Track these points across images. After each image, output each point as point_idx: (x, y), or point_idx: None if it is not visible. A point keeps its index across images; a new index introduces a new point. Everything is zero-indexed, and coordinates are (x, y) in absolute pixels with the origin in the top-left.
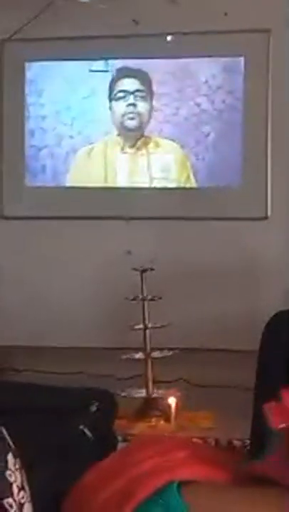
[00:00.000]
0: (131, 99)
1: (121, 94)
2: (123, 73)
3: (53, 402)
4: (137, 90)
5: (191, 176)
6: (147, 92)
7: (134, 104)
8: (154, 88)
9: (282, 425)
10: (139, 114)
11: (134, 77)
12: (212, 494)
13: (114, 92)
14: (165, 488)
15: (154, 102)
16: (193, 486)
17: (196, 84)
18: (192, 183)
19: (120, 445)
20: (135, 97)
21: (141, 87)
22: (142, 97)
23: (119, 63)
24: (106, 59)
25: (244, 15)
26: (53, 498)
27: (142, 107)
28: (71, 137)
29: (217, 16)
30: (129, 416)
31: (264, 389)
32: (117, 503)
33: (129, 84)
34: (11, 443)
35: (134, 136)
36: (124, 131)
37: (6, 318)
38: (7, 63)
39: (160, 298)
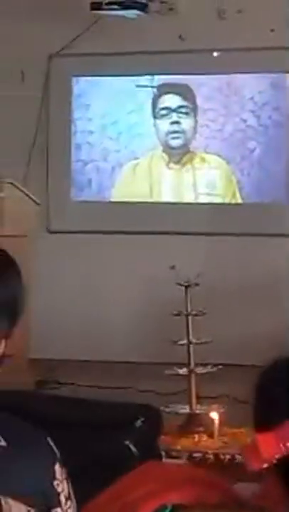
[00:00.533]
0: (174, 116)
1: (164, 112)
2: (165, 89)
3: (99, 416)
4: (180, 106)
5: (237, 192)
6: (191, 107)
7: (177, 122)
8: (199, 103)
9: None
10: (183, 131)
11: (176, 93)
12: None
13: (157, 109)
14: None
15: (199, 118)
16: (186, 511)
17: (241, 100)
18: (238, 199)
19: (164, 460)
20: (178, 113)
21: (183, 103)
22: (185, 113)
23: (161, 79)
24: (152, 74)
25: None
26: None
27: (187, 123)
28: (117, 151)
29: (263, 32)
30: (172, 432)
31: None
32: None
33: (171, 100)
34: (57, 453)
35: (180, 152)
36: (168, 148)
37: (51, 331)
38: (54, 78)
39: (204, 313)
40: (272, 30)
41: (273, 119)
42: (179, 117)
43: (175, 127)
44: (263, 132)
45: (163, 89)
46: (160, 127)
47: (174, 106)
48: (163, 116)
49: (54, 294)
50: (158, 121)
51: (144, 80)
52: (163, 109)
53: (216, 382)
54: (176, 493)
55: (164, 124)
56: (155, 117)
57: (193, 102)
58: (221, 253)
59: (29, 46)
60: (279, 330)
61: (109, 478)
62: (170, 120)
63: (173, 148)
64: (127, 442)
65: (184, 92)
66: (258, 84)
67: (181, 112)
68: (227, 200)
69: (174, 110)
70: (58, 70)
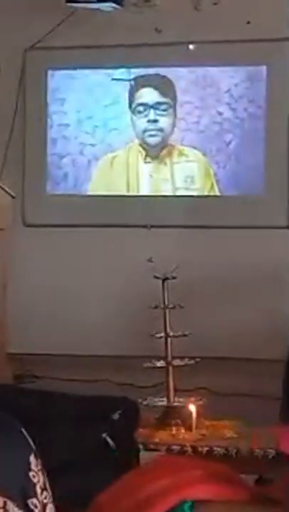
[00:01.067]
0: (151, 114)
1: (140, 109)
2: (142, 82)
3: (76, 409)
4: (158, 103)
5: (215, 185)
6: (171, 103)
7: (155, 121)
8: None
9: None
10: (161, 129)
11: (154, 87)
12: None
13: (134, 104)
14: (178, 508)
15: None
16: (206, 506)
17: (218, 93)
18: (216, 192)
19: (142, 453)
20: (156, 111)
21: (162, 99)
22: (164, 110)
23: (138, 71)
24: (128, 67)
25: (267, 24)
26: (75, 503)
27: (165, 121)
28: (93, 145)
29: (240, 24)
30: (150, 424)
31: None
32: None
33: (149, 96)
34: (32, 444)
35: (157, 149)
36: (145, 145)
37: (29, 325)
38: (29, 72)
39: (182, 307)
40: (248, 23)
41: (250, 111)
42: (157, 115)
43: (152, 125)
44: (239, 125)
45: (140, 82)
46: (137, 124)
47: (151, 102)
48: (140, 112)
49: (30, 287)
50: (134, 117)
51: (120, 73)
52: (140, 105)
53: (193, 375)
54: (196, 489)
55: (141, 121)
56: (132, 112)
57: (173, 97)
58: (198, 246)
59: (4, 40)
60: (257, 323)
61: (87, 470)
62: (147, 118)
63: (150, 145)
64: (104, 435)
65: (163, 86)
66: (234, 76)
67: (159, 109)
68: (205, 193)
69: (151, 107)
70: (33, 63)
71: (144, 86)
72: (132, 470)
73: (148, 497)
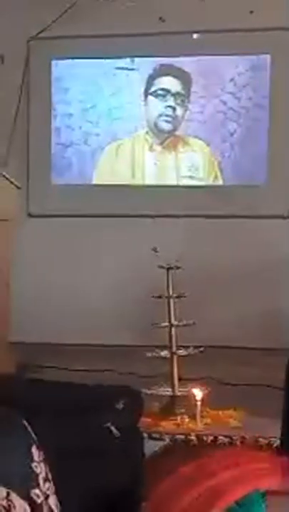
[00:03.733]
0: (171, 101)
1: (161, 92)
2: (164, 71)
3: (80, 399)
4: (179, 93)
5: (219, 174)
6: (186, 95)
7: (173, 108)
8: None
9: None
10: (176, 117)
11: (176, 76)
12: None
13: (154, 88)
14: (250, 496)
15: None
16: (278, 496)
17: (221, 82)
18: (219, 181)
19: (146, 442)
20: (176, 99)
21: (182, 91)
22: (182, 101)
23: (159, 61)
24: (132, 57)
25: (270, 13)
26: (78, 493)
27: (180, 111)
28: (97, 135)
29: (243, 13)
30: (154, 414)
31: None
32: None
33: (171, 83)
34: (34, 436)
35: (166, 136)
36: (156, 130)
37: (32, 314)
38: (34, 61)
39: (185, 296)
40: (251, 12)
41: (253, 100)
42: (176, 103)
43: (169, 111)
44: (243, 114)
45: (162, 70)
46: (152, 107)
47: (173, 90)
48: (159, 96)
49: (34, 277)
50: (151, 100)
51: (124, 62)
52: (162, 89)
53: (198, 364)
54: (268, 479)
55: (158, 105)
56: (148, 96)
57: (189, 90)
58: (203, 235)
59: (8, 29)
60: (260, 311)
61: (91, 460)
62: (166, 103)
63: (161, 130)
64: (108, 424)
65: (183, 79)
66: (237, 66)
67: (178, 99)
68: (209, 183)
69: (172, 94)
70: (37, 53)
71: (167, 74)
72: (193, 462)
73: (216, 486)
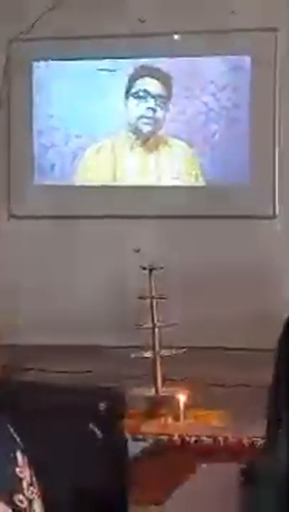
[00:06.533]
0: (151, 102)
1: (142, 94)
2: (144, 72)
3: (62, 400)
4: (160, 96)
5: (200, 175)
6: (167, 96)
7: (153, 109)
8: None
9: None
10: (155, 119)
11: (157, 78)
12: None
13: (134, 89)
14: None
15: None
16: None
17: (202, 83)
18: (201, 182)
19: (130, 444)
20: (156, 101)
21: (163, 92)
22: (162, 103)
23: (140, 62)
24: (113, 58)
25: (251, 13)
26: (63, 495)
27: (161, 114)
28: (78, 137)
29: (224, 14)
30: (137, 415)
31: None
32: None
33: (152, 85)
34: (18, 440)
35: (146, 138)
36: (136, 132)
37: (14, 317)
38: (14, 63)
39: (167, 298)
40: (232, 12)
41: (234, 101)
42: (156, 105)
43: (150, 113)
44: (224, 115)
45: (142, 72)
46: (132, 109)
47: (153, 92)
48: (140, 98)
49: (16, 279)
50: (132, 102)
51: (105, 63)
52: (142, 91)
53: (181, 365)
54: None
55: (139, 108)
56: (128, 97)
57: (170, 93)
58: (185, 236)
59: None
60: (244, 311)
61: (74, 462)
62: (146, 105)
63: (141, 132)
64: (91, 426)
65: (164, 80)
66: (218, 66)
67: (158, 101)
68: (190, 183)
69: (153, 96)
70: (18, 54)
71: (147, 75)
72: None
73: None
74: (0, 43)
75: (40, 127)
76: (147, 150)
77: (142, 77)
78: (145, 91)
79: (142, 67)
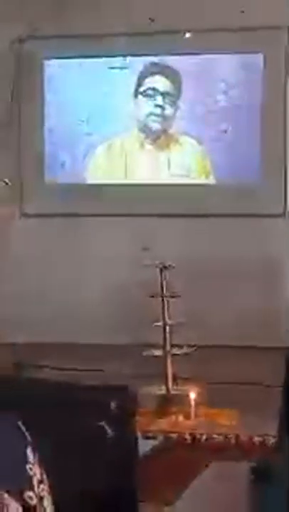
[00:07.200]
0: (160, 100)
1: (150, 92)
2: (153, 69)
3: (74, 398)
4: (168, 93)
5: (210, 173)
6: (176, 94)
7: (162, 107)
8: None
9: None
10: (164, 117)
11: (166, 75)
12: None
13: (143, 87)
14: None
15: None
16: None
17: (214, 81)
18: (211, 180)
19: (140, 442)
20: (164, 99)
21: (171, 90)
22: (171, 101)
23: (148, 59)
24: (124, 56)
25: (262, 12)
26: (73, 493)
27: (170, 111)
28: (89, 134)
29: (234, 13)
30: (149, 413)
31: None
32: None
33: (160, 82)
34: (29, 437)
35: (157, 136)
36: (146, 129)
37: (25, 315)
38: (25, 62)
39: (179, 296)
40: (242, 12)
41: (245, 99)
42: (164, 103)
43: (158, 110)
44: (235, 113)
45: (151, 69)
46: (141, 106)
47: (162, 89)
48: (149, 96)
49: (28, 277)
50: (141, 100)
51: (116, 61)
52: (151, 89)
53: (192, 363)
54: None
55: (147, 105)
56: (137, 95)
57: (179, 91)
58: (196, 234)
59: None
60: (254, 310)
61: (85, 460)
62: (155, 102)
63: (150, 130)
64: (102, 423)
65: (172, 76)
66: (229, 64)
67: (167, 99)
68: (201, 181)
69: (161, 93)
70: (29, 53)
71: (156, 73)
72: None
73: None
74: (11, 41)
75: (51, 126)
76: (158, 148)
77: (151, 74)
78: (153, 89)
79: (152, 64)
